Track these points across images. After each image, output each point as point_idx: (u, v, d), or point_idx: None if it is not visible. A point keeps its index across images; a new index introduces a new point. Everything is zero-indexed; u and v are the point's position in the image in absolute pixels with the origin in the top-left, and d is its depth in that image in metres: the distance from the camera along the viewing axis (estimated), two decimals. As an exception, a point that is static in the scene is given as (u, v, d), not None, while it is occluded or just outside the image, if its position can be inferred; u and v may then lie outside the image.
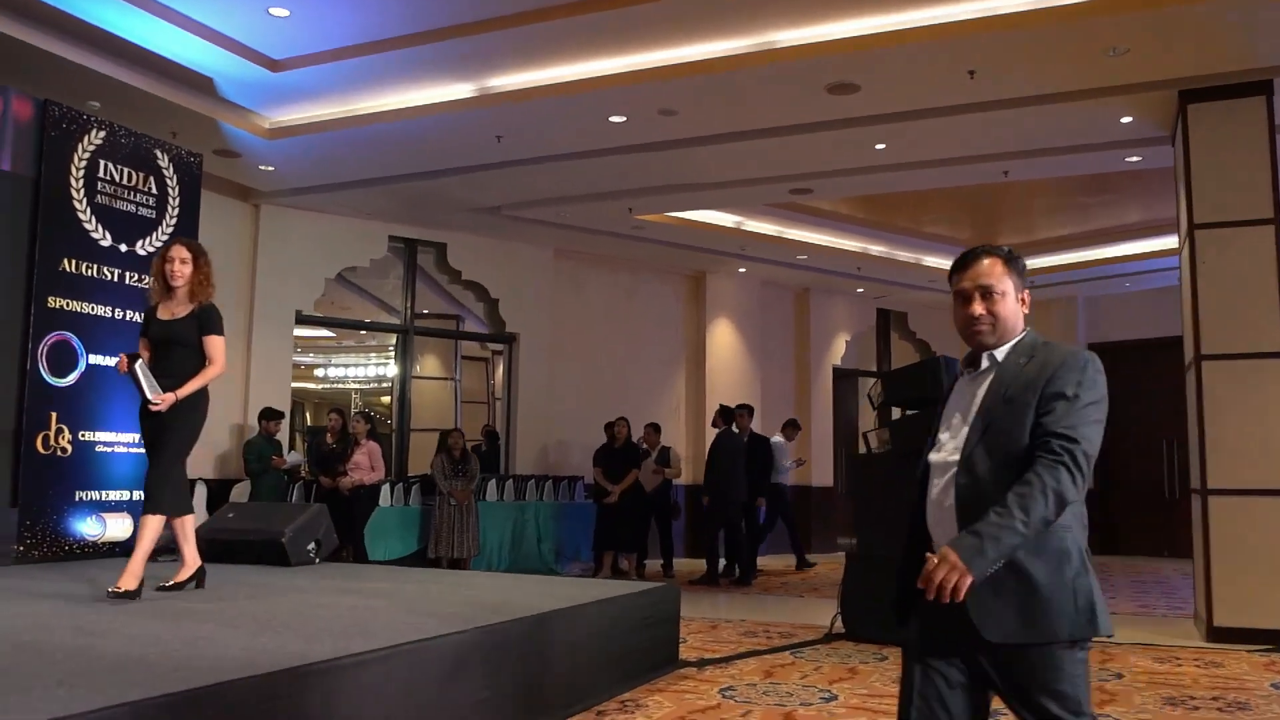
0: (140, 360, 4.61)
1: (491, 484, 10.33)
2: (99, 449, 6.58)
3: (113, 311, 6.70)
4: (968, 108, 7.61)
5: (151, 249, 7.01)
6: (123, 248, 6.82)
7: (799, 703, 4.65)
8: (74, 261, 6.54)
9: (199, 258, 4.87)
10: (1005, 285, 2.39)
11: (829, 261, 12.93)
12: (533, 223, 11.03)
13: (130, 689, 2.68)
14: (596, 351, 12.55)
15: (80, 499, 6.44)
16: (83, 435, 6.46)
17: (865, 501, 6.73)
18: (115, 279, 6.74)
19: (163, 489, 4.64)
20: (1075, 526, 2.24)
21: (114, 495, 6.68)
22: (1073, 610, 2.18)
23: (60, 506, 6.34)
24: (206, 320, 4.79)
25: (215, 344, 4.81)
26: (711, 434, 10.77)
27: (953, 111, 7.68)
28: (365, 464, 9.23)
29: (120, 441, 6.71)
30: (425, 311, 12.35)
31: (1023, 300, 2.41)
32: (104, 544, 6.52)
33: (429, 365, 14.08)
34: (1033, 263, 13.51)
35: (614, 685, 4.75)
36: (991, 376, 2.35)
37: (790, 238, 12.14)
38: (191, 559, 4.91)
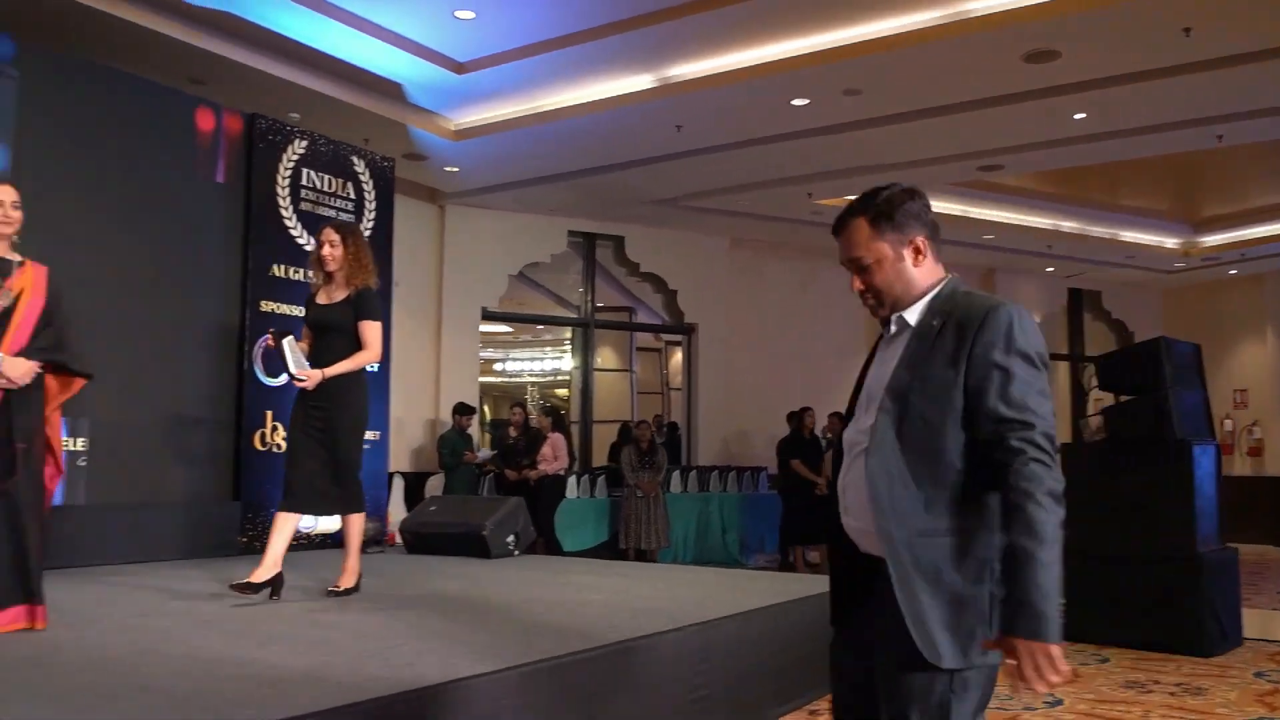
0: (289, 337, 4.50)
1: (675, 475, 10.32)
2: (310, 445, 6.87)
3: (318, 313, 6.98)
4: (1180, 69, 7.08)
5: (351, 252, 7.28)
6: (325, 252, 7.10)
7: (1021, 706, 4.41)
8: (283, 267, 6.86)
9: (347, 238, 4.64)
10: (877, 250, 2.00)
11: (1017, 240, 12.35)
12: (710, 212, 10.96)
13: (372, 685, 2.74)
14: (775, 340, 12.38)
15: (294, 493, 6.74)
16: (295, 433, 6.76)
17: (1077, 493, 6.33)
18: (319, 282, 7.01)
19: (353, 487, 4.62)
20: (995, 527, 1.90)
21: (325, 489, 6.96)
22: (981, 629, 1.86)
23: (276, 500, 6.61)
24: (361, 305, 4.60)
25: (370, 329, 4.59)
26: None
27: (1163, 74, 7.16)
28: (550, 455, 9.37)
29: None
30: (600, 304, 12.47)
31: (914, 249, 2.00)
32: (316, 536, 6.81)
33: (604, 357, 14.22)
34: (1243, 234, 12.56)
35: (822, 685, 4.61)
36: (904, 343, 1.99)
37: (976, 217, 11.62)
38: (274, 562, 4.45)
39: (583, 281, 11.68)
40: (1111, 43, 6.69)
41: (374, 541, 6.85)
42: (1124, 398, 6.33)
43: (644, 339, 14.60)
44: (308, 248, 7.02)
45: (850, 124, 8.23)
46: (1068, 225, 12.25)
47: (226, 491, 6.51)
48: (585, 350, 11.74)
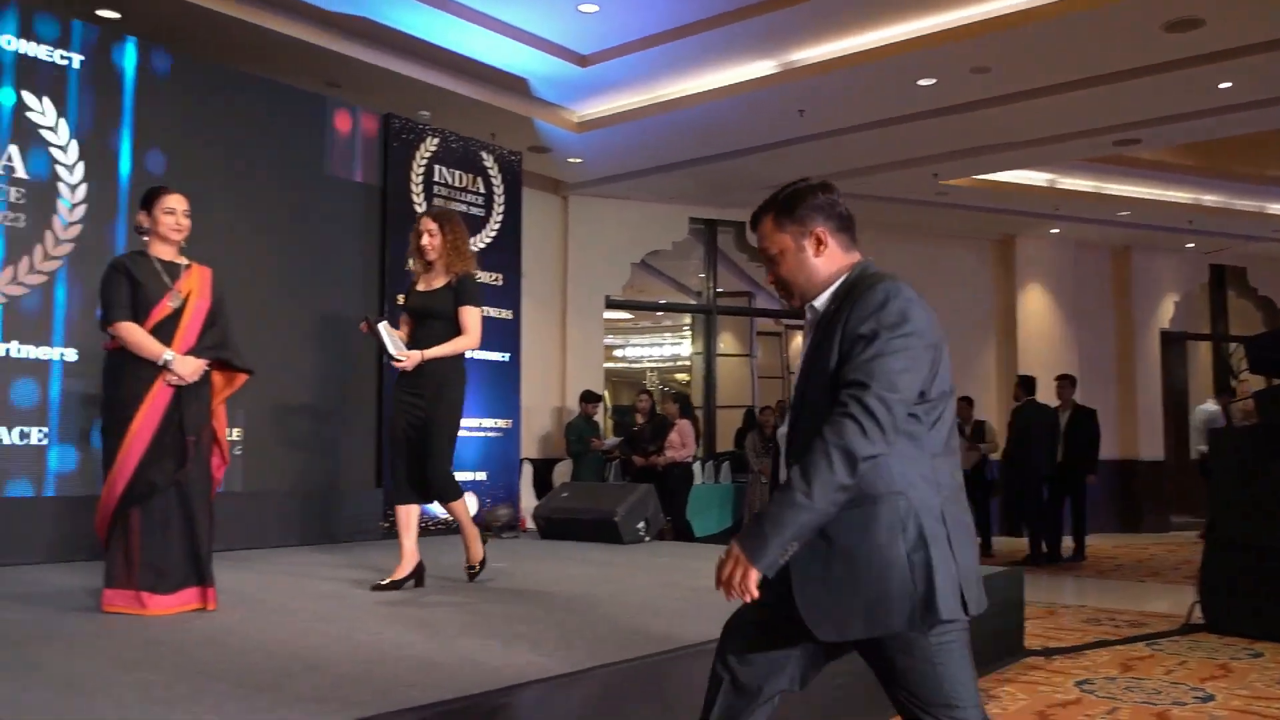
0: (384, 321, 4.48)
1: (799, 461, 10.28)
2: (446, 434, 7.11)
3: (451, 306, 7.18)
4: (1338, 31, 6.71)
5: (481, 246, 7.50)
6: (457, 246, 7.32)
7: (1170, 701, 4.28)
8: (417, 261, 7.07)
9: (444, 226, 4.59)
10: (780, 242, 2.10)
11: (1155, 216, 11.87)
12: (831, 195, 10.84)
13: (527, 669, 2.84)
14: (900, 324, 12.18)
15: (432, 480, 6.99)
16: (432, 421, 6.99)
17: (1227, 480, 6.09)
18: (452, 275, 7.24)
19: (447, 476, 4.58)
20: (918, 489, 1.91)
21: (461, 476, 7.14)
22: (908, 594, 1.87)
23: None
24: (463, 291, 4.55)
25: (470, 315, 4.54)
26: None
27: (1319, 37, 6.80)
28: (678, 442, 9.44)
29: (465, 426, 7.20)
30: (719, 289, 12.48)
31: (815, 240, 2.07)
32: (453, 522, 7.03)
33: (725, 342, 14.22)
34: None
35: (961, 674, 4.57)
36: (813, 331, 2.06)
37: (1110, 193, 11.24)
38: (411, 554, 4.57)
39: (704, 268, 11.72)
40: (1259, 7, 6.37)
41: (508, 527, 7.04)
42: (1277, 380, 6.05)
43: (764, 323, 14.56)
44: (440, 242, 7.24)
45: (978, 102, 8.05)
46: (1210, 199, 11.72)
47: (369, 478, 6.77)
48: (707, 336, 11.78)
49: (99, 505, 3.75)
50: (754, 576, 1.85)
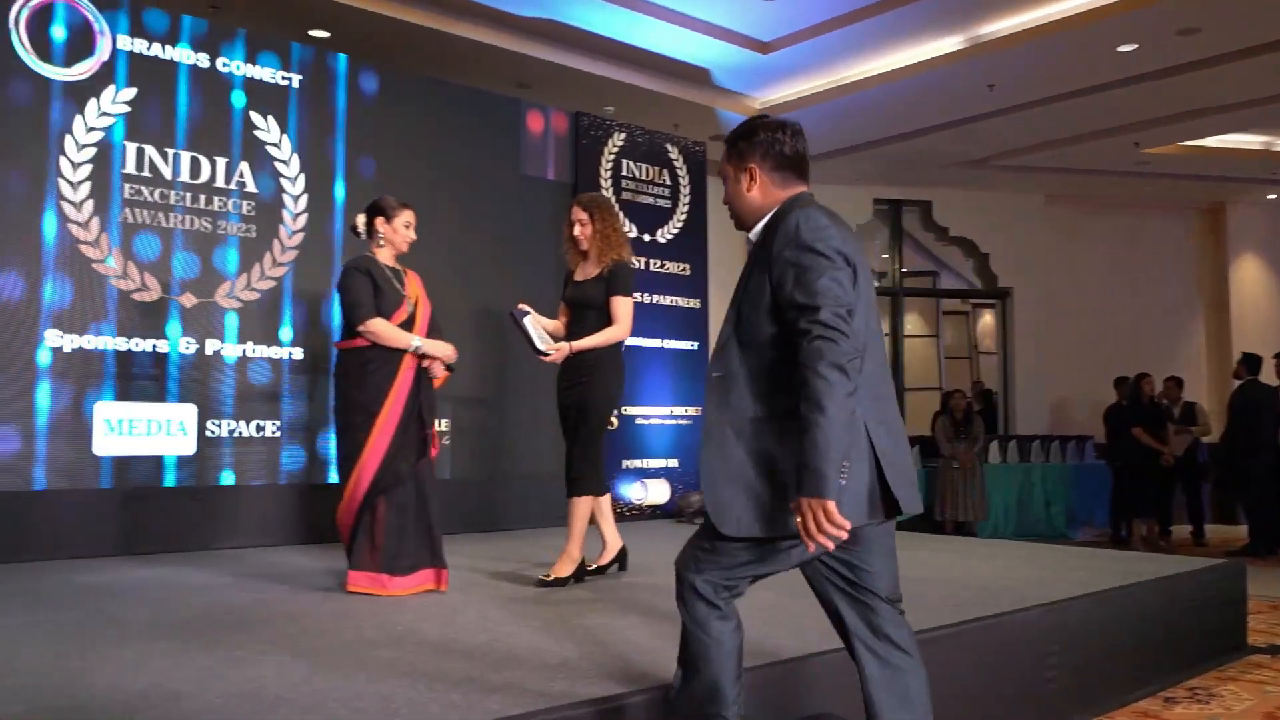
0: (529, 315, 4.31)
1: (994, 445, 10.01)
2: (638, 422, 7.31)
3: (642, 297, 7.32)
4: None
5: (668, 237, 7.63)
6: (645, 238, 7.47)
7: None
8: (608, 254, 7.26)
9: (594, 214, 4.46)
10: (724, 170, 2.32)
11: (1395, 177, 10.92)
12: (1021, 170, 10.48)
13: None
14: (1097, 301, 11.67)
15: (626, 467, 7.19)
16: (625, 410, 7.19)
17: None
18: (640, 267, 7.39)
19: (586, 470, 4.44)
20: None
21: (654, 463, 7.39)
22: (781, 506, 2.07)
23: (610, 473, 7.07)
24: (613, 280, 4.39)
25: (620, 305, 4.38)
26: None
27: None
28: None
29: (656, 415, 7.42)
30: (904, 270, 12.24)
31: (749, 175, 2.25)
32: (647, 507, 7.23)
33: (910, 323, 13.94)
34: None
35: (1178, 670, 4.41)
36: (748, 261, 2.25)
37: (1339, 155, 10.41)
38: (613, 540, 4.63)
39: (888, 248, 11.52)
40: None
41: (699, 513, 7.13)
42: None
43: (950, 303, 14.20)
44: (629, 235, 7.40)
45: (1185, 65, 7.63)
46: None
47: (561, 467, 7.00)
48: (893, 317, 11.59)
49: (344, 496, 3.99)
50: (831, 507, 1.92)
